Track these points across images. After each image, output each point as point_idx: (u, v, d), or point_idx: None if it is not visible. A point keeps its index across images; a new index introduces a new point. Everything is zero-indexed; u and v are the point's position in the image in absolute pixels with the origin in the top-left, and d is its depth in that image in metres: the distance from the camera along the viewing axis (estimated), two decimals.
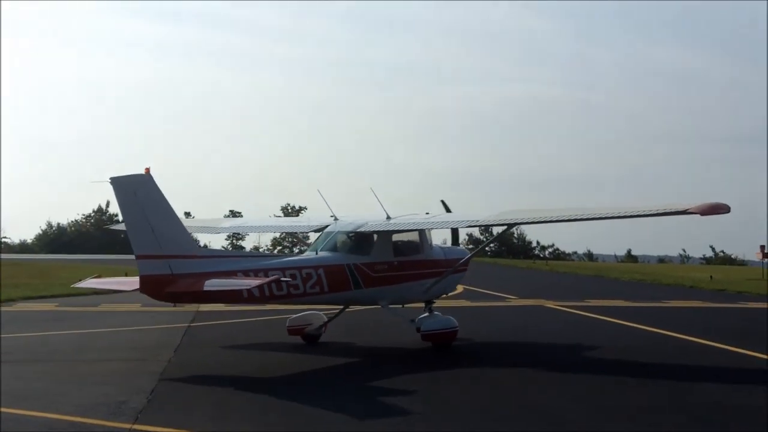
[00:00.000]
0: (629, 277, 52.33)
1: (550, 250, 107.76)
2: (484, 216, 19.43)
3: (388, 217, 19.77)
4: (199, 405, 12.58)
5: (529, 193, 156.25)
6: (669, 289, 41.86)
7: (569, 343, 20.37)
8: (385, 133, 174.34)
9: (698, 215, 15.96)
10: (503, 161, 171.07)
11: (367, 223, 19.53)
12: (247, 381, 14.75)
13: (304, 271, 17.83)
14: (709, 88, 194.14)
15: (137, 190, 15.83)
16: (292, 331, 20.37)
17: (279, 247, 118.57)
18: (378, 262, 19.26)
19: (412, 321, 19.62)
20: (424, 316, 19.74)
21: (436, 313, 20.05)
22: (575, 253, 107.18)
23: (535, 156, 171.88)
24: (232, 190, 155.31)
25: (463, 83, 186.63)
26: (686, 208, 16.13)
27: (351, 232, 19.46)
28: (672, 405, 12.83)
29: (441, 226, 20.45)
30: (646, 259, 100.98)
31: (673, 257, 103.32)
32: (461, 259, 21.20)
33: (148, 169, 16.27)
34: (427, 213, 20.71)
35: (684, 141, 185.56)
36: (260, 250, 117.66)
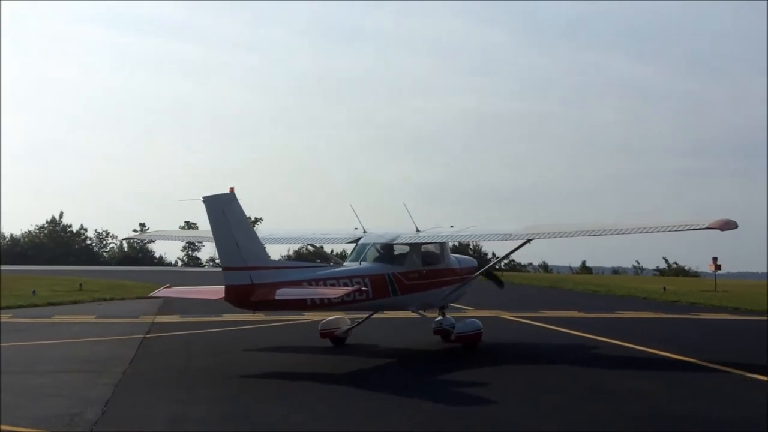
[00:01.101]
0: (583, 288, 52.72)
1: (506, 261, 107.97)
2: (515, 228, 21.57)
3: (418, 230, 21.84)
4: (153, 417, 12.57)
5: (489, 204, 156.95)
6: (622, 300, 42.28)
7: (515, 351, 21.11)
8: (343, 144, 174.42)
9: (718, 230, 18.07)
10: (461, 173, 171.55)
11: (400, 236, 21.49)
12: (203, 392, 14.71)
13: (354, 280, 19.46)
14: (665, 101, 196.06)
15: (225, 208, 17.56)
16: (324, 334, 22.04)
17: None
18: (410, 271, 21.19)
19: (440, 324, 22.42)
20: (446, 319, 22.32)
21: (468, 318, 22.26)
22: (531, 264, 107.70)
23: (492, 168, 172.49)
24: (188, 200, 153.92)
25: (419, 95, 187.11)
26: (706, 224, 18.35)
27: (387, 243, 21.38)
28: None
29: (472, 238, 22.73)
30: (601, 270, 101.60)
31: (627, 269, 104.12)
32: (471, 268, 23.34)
33: (232, 189, 17.94)
34: (452, 226, 22.67)
35: (640, 153, 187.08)
36: (216, 261, 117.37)
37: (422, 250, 21.87)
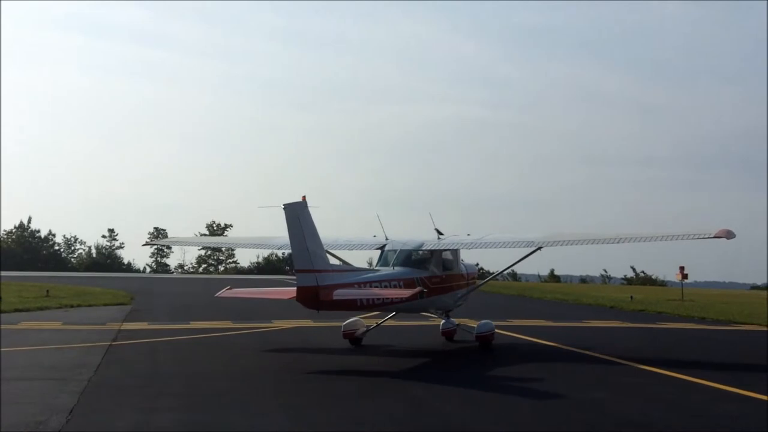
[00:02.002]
0: (552, 296, 52.93)
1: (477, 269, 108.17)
2: (537, 236, 23.09)
3: (439, 238, 23.67)
4: (118, 425, 12.55)
5: (460, 212, 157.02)
6: (590, 309, 42.51)
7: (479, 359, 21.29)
8: (316, 151, 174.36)
9: (725, 239, 20.26)
10: (433, 181, 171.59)
11: (424, 243, 23.37)
12: (169, 401, 14.68)
13: (392, 283, 21.34)
14: (629, 112, 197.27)
15: (299, 215, 19.47)
16: (347, 334, 23.73)
17: (204, 265, 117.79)
18: (433, 276, 23.09)
19: (458, 326, 24.40)
20: (450, 321, 24.51)
21: (485, 320, 24.27)
22: (499, 272, 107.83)
23: (463, 176, 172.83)
24: (155, 206, 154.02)
25: (393, 103, 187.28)
26: (713, 234, 20.45)
27: (415, 249, 23.21)
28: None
29: (493, 245, 23.48)
30: (569, 279, 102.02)
31: (594, 277, 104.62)
32: (474, 274, 26.04)
33: (304, 197, 19.86)
34: (468, 234, 24.76)
35: (605, 163, 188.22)
36: (185, 267, 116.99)
37: (441, 256, 23.67)
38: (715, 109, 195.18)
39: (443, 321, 24.69)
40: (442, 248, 23.47)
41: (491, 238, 23.67)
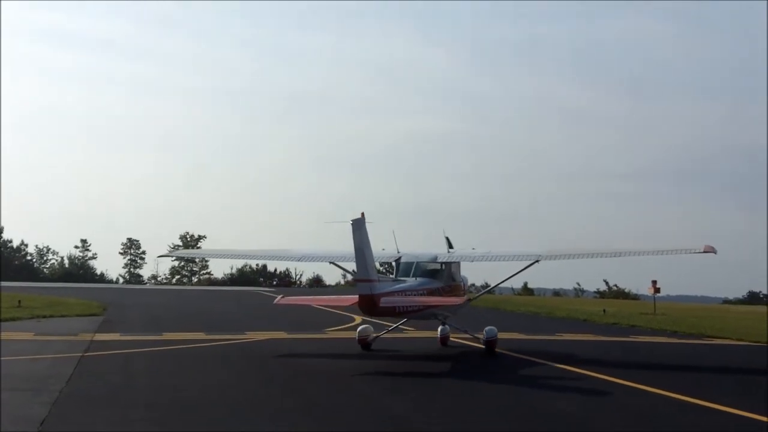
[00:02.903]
0: (525, 309, 53.03)
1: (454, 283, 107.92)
2: (541, 251, 25.52)
3: (449, 251, 26.15)
4: None
5: (432, 225, 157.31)
6: (563, 322, 42.67)
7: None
8: (288, 163, 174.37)
9: (712, 254, 23.08)
10: (404, 193, 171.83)
11: (438, 255, 25.70)
12: (141, 412, 14.63)
13: (418, 292, 23.95)
14: (603, 126, 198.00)
15: (360, 228, 21.98)
16: (361, 340, 25.66)
17: (177, 276, 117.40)
18: (445, 286, 25.46)
19: (465, 331, 26.29)
20: (445, 328, 27.14)
21: (490, 327, 26.09)
22: (473, 285, 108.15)
23: (435, 189, 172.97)
24: (128, 217, 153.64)
25: (364, 115, 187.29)
26: (701, 249, 23.05)
27: (431, 261, 25.53)
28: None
29: (503, 258, 25.54)
30: (542, 291, 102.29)
31: (568, 290, 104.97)
32: (467, 285, 28.38)
33: (363, 213, 22.22)
34: (473, 248, 26.81)
35: (578, 177, 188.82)
36: (158, 278, 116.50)
37: (451, 268, 26.03)
38: (691, 124, 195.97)
39: (441, 327, 27.15)
40: (454, 260, 25.94)
41: (496, 252, 25.86)
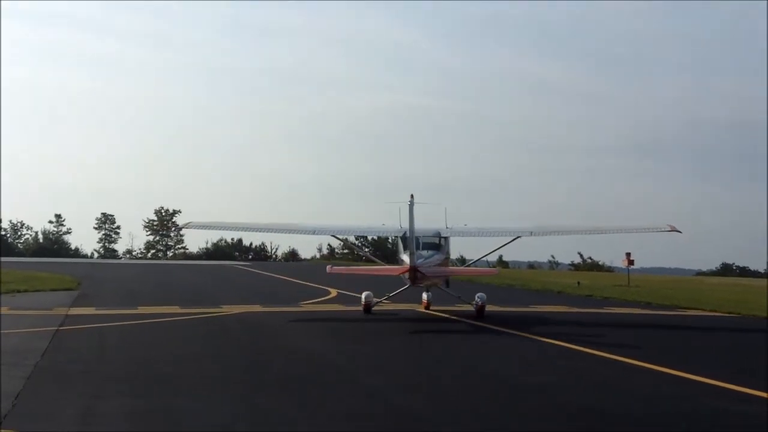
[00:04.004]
0: (500, 282, 53.18)
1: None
2: (533, 227, 30.39)
3: (447, 227, 29.59)
4: (64, 411, 12.47)
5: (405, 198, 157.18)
6: (537, 295, 42.92)
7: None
8: (259, 139, 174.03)
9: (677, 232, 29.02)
10: (377, 168, 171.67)
11: (440, 231, 29.36)
12: (116, 386, 14.61)
13: (434, 261, 27.89)
14: (574, 101, 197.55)
15: (411, 209, 26.70)
16: (366, 305, 29.01)
17: (153, 251, 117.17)
18: (445, 258, 29.52)
19: (459, 297, 29.76)
20: (429, 294, 30.43)
21: (480, 293, 29.26)
22: (482, 256, 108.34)
23: (408, 164, 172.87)
24: (104, 192, 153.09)
25: (336, 91, 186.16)
26: (667, 228, 28.87)
27: (435, 236, 29.14)
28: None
29: (498, 233, 30.06)
30: (517, 264, 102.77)
31: (542, 263, 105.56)
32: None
33: (412, 195, 26.82)
34: (465, 224, 30.79)
35: (550, 151, 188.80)
36: (133, 252, 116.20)
37: (448, 243, 29.64)
38: (660, 98, 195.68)
39: (426, 294, 30.35)
40: (454, 236, 29.92)
41: (489, 228, 30.47)
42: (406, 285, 28.71)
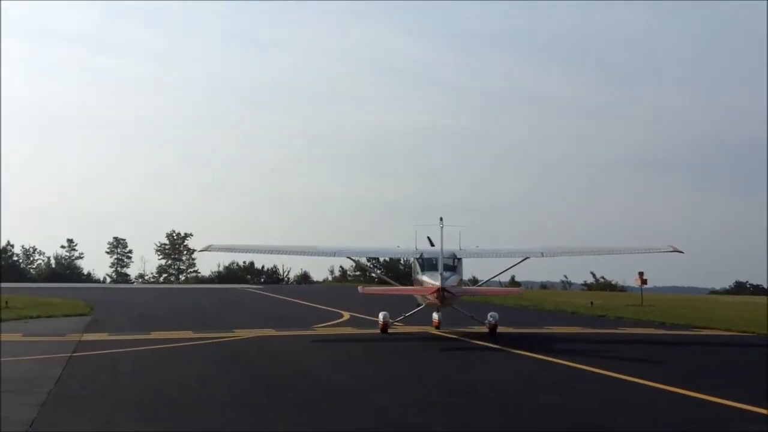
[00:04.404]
0: (513, 302, 53.01)
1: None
2: (542, 248, 31.54)
3: (460, 248, 30.42)
4: None
5: (410, 219, 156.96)
6: (551, 315, 42.74)
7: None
8: (259, 157, 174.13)
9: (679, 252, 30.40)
10: (380, 187, 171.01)
11: (455, 252, 30.10)
12: (130, 413, 14.59)
13: (452, 280, 28.72)
14: (584, 116, 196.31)
15: (441, 230, 28.34)
16: (383, 325, 29.83)
17: (165, 275, 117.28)
18: (460, 279, 30.31)
19: (472, 317, 30.58)
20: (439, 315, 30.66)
21: (492, 312, 30.27)
22: (492, 277, 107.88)
23: (413, 183, 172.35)
24: (113, 215, 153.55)
25: (338, 107, 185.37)
26: (669, 249, 30.27)
27: (449, 257, 29.61)
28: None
29: (511, 254, 31.54)
30: (530, 285, 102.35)
31: (555, 283, 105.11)
32: None
33: (441, 218, 28.68)
34: (477, 246, 31.84)
35: (560, 166, 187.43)
36: (146, 277, 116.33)
37: (462, 264, 30.41)
38: (665, 113, 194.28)
39: (436, 314, 30.55)
40: (468, 257, 30.79)
41: (502, 249, 31.94)
42: (421, 305, 29.93)
